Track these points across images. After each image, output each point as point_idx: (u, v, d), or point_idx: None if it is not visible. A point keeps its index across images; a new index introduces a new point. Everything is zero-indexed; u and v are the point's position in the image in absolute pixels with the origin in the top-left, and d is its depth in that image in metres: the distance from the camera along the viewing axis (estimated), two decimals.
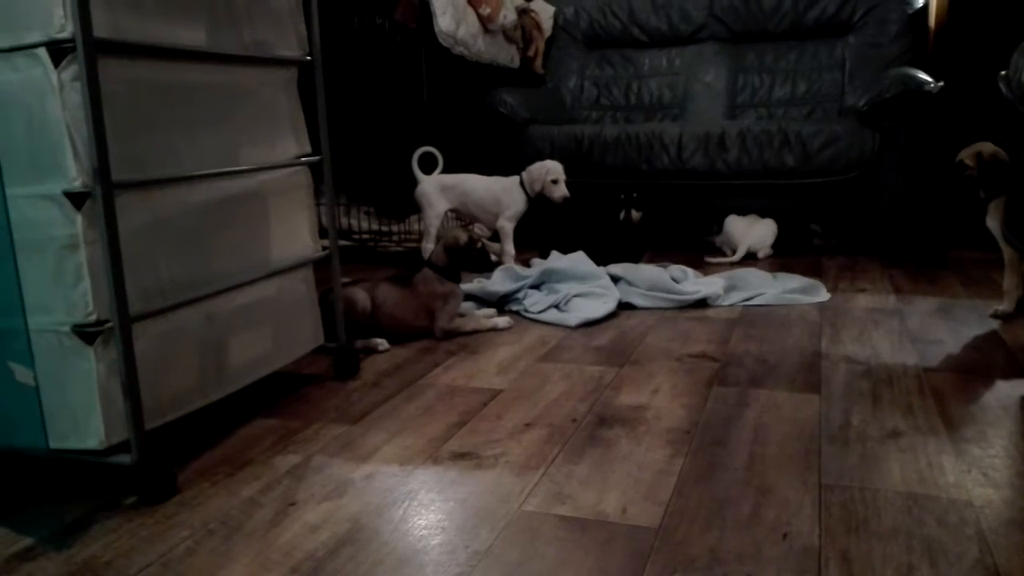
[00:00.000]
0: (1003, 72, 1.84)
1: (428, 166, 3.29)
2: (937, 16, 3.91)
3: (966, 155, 2.33)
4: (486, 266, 2.42)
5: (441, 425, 1.66)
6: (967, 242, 3.67)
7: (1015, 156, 1.85)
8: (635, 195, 3.24)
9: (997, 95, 1.90)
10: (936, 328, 2.28)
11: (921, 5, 3.81)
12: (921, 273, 3.05)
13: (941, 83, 3.22)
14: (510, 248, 3.23)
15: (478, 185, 3.28)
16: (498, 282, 2.70)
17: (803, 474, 1.40)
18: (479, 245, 2.35)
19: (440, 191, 3.25)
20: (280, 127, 1.76)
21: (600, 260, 2.86)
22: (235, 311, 1.62)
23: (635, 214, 3.18)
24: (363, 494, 1.37)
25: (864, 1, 3.89)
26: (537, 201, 3.30)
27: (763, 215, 3.50)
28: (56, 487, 1.43)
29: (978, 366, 1.95)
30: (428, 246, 3.21)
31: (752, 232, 3.43)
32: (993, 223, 2.34)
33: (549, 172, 3.19)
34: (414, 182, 3.25)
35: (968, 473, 1.39)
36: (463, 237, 2.32)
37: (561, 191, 3.20)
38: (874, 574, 1.10)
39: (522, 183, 3.25)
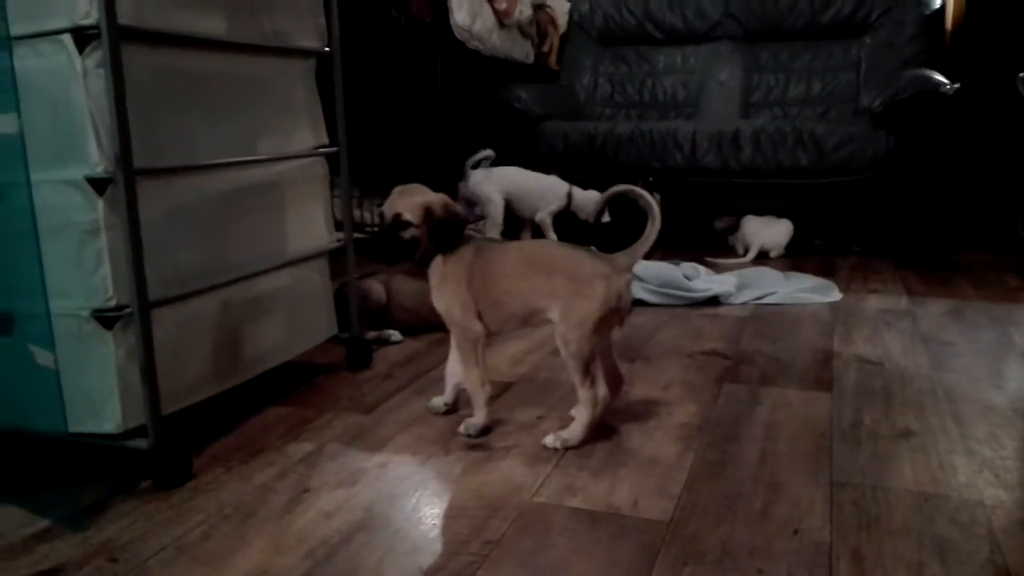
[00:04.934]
0: (1021, 74, 1.83)
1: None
2: (954, 17, 3.89)
3: (407, 207, 1.54)
4: None
5: (453, 416, 1.67)
6: (978, 244, 3.65)
7: None
8: (651, 179, 3.30)
9: (1014, 97, 1.89)
10: (948, 330, 2.28)
11: (938, 6, 3.79)
12: (933, 275, 3.04)
13: (957, 85, 3.21)
14: (552, 237, 3.40)
15: (528, 178, 3.45)
16: None
17: (814, 471, 1.40)
18: None
19: (497, 188, 3.40)
20: (298, 117, 1.77)
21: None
22: (251, 300, 1.64)
23: (656, 196, 3.26)
24: (376, 482, 1.38)
25: (881, 2, 3.88)
26: None
27: (779, 215, 3.50)
28: (73, 470, 1.45)
29: (990, 368, 1.94)
30: (494, 235, 3.36)
31: (765, 232, 3.43)
32: (435, 296, 1.59)
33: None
34: (428, 176, 3.26)
35: (980, 473, 1.39)
36: None
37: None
38: (885, 571, 1.10)
39: (569, 193, 3.45)
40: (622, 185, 1.55)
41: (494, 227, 3.41)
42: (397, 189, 1.58)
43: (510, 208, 3.46)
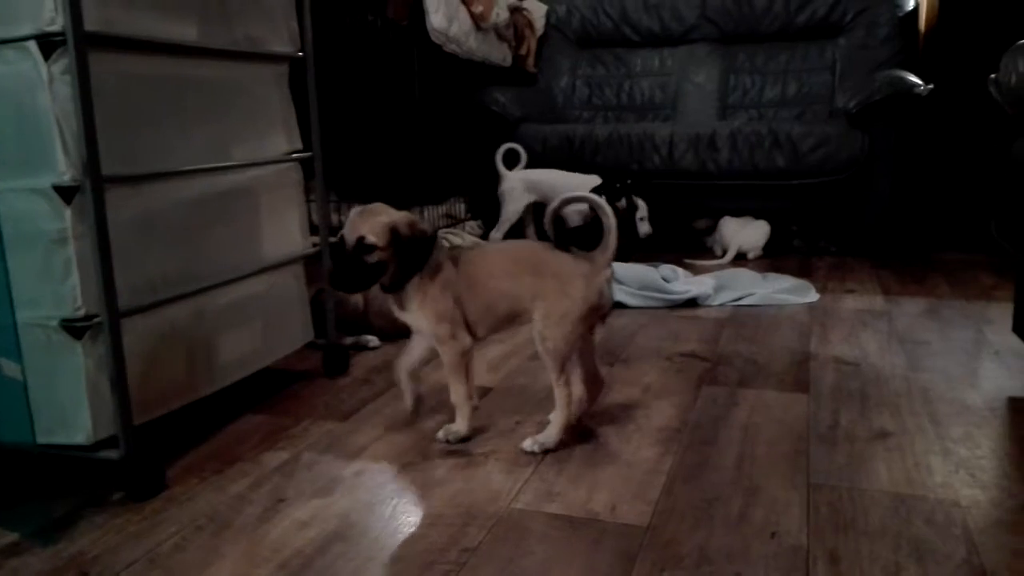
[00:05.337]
0: (993, 75, 1.85)
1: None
2: (927, 19, 3.93)
3: (370, 229, 1.42)
4: None
5: (431, 422, 1.66)
6: (954, 243, 3.69)
7: (1005, 158, 1.84)
8: (629, 181, 3.31)
9: (987, 98, 1.91)
10: (924, 329, 2.30)
11: (911, 8, 3.83)
12: (909, 274, 3.07)
13: (931, 86, 3.24)
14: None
15: (560, 179, 3.50)
16: None
17: (792, 474, 1.40)
18: None
19: (525, 187, 3.48)
20: (271, 123, 1.76)
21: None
22: (225, 307, 1.62)
23: (638, 202, 3.30)
24: (353, 491, 1.37)
25: (855, 3, 3.91)
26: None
27: (756, 216, 3.52)
28: (43, 482, 1.42)
29: (965, 367, 1.96)
30: (496, 236, 3.46)
31: (742, 233, 3.44)
32: (417, 317, 1.51)
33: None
34: (404, 179, 3.26)
35: (955, 473, 1.40)
36: None
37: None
38: (862, 573, 1.10)
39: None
40: (567, 193, 1.53)
41: (500, 227, 3.50)
42: (356, 210, 1.48)
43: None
